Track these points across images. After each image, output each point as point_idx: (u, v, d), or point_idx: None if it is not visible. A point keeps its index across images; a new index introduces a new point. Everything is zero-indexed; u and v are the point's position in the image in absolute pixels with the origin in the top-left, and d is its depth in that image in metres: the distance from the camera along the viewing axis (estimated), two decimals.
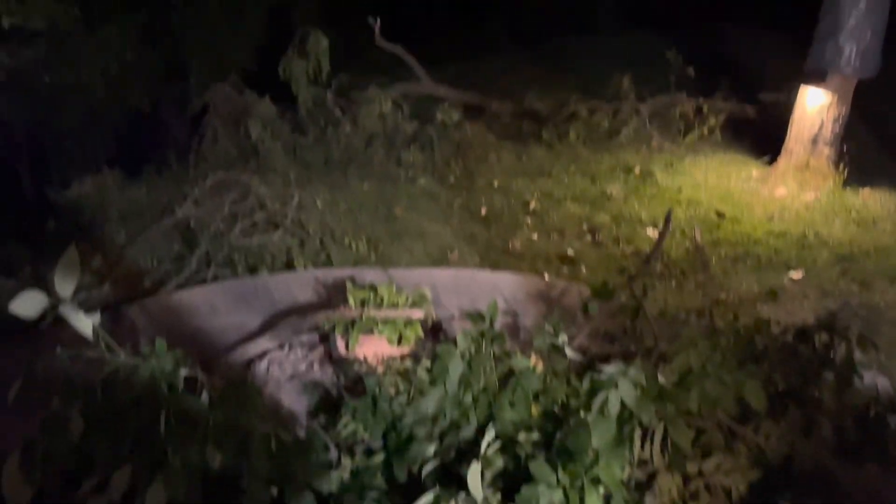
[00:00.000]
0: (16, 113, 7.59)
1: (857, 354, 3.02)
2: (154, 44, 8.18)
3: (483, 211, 6.45)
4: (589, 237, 6.13)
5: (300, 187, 5.95)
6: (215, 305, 4.54)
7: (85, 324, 2.55)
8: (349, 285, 4.09)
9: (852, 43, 6.41)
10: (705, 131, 7.77)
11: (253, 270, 5.18)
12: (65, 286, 2.53)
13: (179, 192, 6.24)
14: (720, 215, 6.38)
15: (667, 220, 4.62)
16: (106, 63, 7.75)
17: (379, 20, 8.28)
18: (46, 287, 2.66)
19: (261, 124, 6.93)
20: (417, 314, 3.81)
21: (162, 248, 5.40)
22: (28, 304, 2.42)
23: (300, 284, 4.72)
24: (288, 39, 7.48)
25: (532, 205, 6.54)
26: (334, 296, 4.42)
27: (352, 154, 6.96)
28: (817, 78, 6.65)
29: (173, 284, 4.94)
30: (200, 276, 5.07)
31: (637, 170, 7.16)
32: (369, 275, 4.64)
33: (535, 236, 6.09)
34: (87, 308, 2.61)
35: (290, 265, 5.31)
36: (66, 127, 7.77)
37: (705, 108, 7.86)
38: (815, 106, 6.74)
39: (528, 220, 6.32)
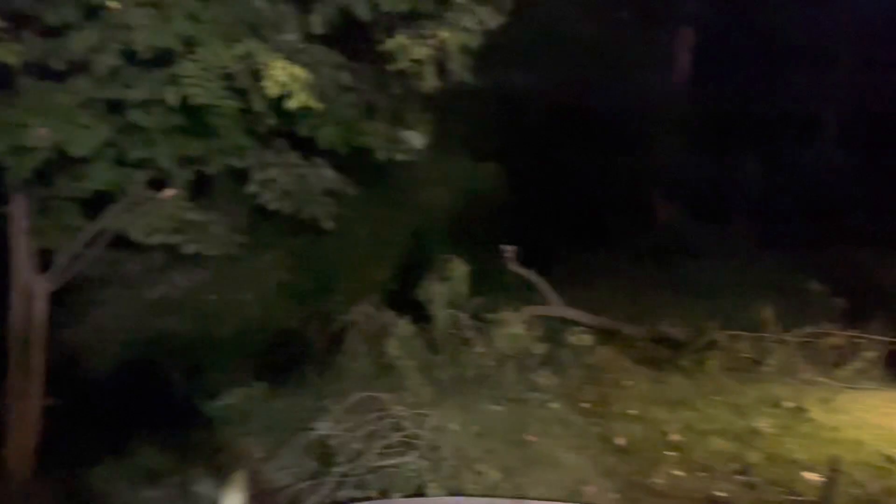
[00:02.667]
0: (179, 327, 8.36)
1: None
2: (305, 266, 8.98)
3: (620, 441, 6.14)
4: (739, 477, 5.61)
5: (433, 407, 5.98)
6: None
7: None
8: None
9: None
10: (863, 364, 7.23)
11: (384, 494, 5.09)
12: None
13: (318, 407, 6.44)
14: (891, 460, 5.71)
15: (834, 468, 4.18)
16: (263, 284, 8.53)
17: (511, 247, 8.73)
18: (191, 498, 2.73)
19: (398, 343, 7.18)
20: None
21: (299, 464, 5.47)
22: None
23: None
24: (426, 262, 7.99)
25: (673, 437, 6.16)
26: None
27: (484, 375, 6.99)
28: None
29: (309, 503, 4.92)
30: (334, 496, 5.03)
31: (787, 404, 6.68)
32: None
33: (678, 473, 5.66)
34: None
35: (420, 489, 5.18)
36: (221, 341, 8.40)
37: (861, 341, 7.37)
38: None
39: (670, 454, 5.91)
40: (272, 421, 6.59)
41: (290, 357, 9.26)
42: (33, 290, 6.55)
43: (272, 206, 7.15)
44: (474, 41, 6.03)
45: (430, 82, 5.98)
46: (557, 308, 8.60)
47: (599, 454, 5.90)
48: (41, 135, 5.11)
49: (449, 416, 5.85)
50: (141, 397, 8.81)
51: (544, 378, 6.89)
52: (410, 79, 6.61)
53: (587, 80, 11.29)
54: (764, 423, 6.37)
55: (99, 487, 5.70)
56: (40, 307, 6.57)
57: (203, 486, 5.37)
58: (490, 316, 7.53)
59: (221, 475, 5.77)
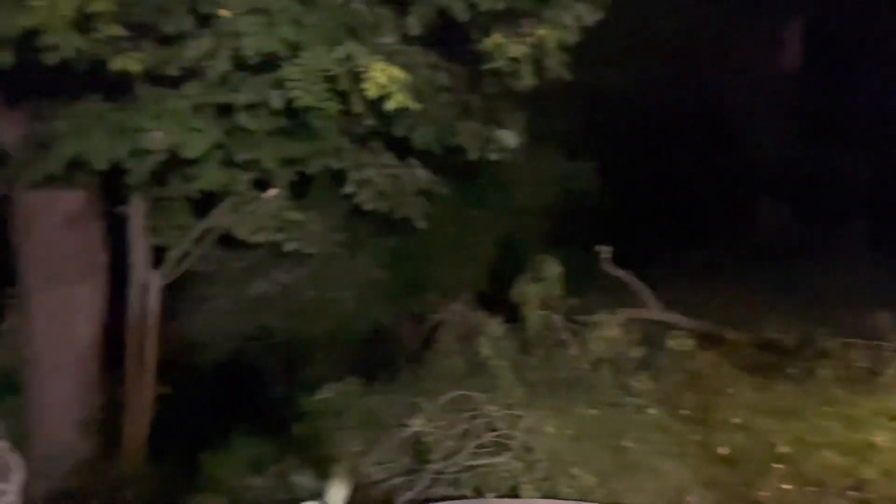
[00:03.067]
0: (279, 323, 8.67)
1: None
2: (398, 265, 9.11)
3: (723, 450, 5.89)
4: (853, 493, 5.28)
5: (526, 408, 5.93)
6: None
7: None
8: None
9: None
10: None
11: (478, 492, 5.09)
12: (337, 497, 2.65)
13: (411, 405, 6.51)
14: None
15: None
16: (358, 281, 8.72)
17: (607, 248, 8.54)
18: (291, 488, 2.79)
19: (490, 343, 7.17)
20: None
21: (394, 460, 5.55)
22: None
23: None
24: (518, 263, 7.94)
25: (781, 449, 5.86)
26: None
27: (578, 378, 6.88)
28: None
29: (404, 498, 4.98)
30: (429, 492, 5.08)
31: None
32: None
33: (786, 487, 5.38)
34: None
35: (514, 490, 5.15)
36: (317, 337, 8.65)
37: None
38: None
39: (778, 467, 5.63)
40: (367, 416, 6.72)
41: (384, 354, 9.43)
42: (148, 284, 6.95)
43: (368, 205, 7.28)
44: (572, 38, 5.93)
45: (526, 81, 5.92)
46: (655, 311, 8.35)
47: (701, 463, 5.70)
48: (157, 138, 5.41)
49: (543, 418, 5.79)
50: (243, 389, 9.22)
51: (641, 383, 6.70)
52: (505, 77, 6.58)
53: (688, 75, 10.91)
54: (881, 438, 5.96)
55: (206, 474, 5.97)
56: (154, 301, 6.96)
57: (302, 478, 5.54)
58: (585, 318, 7.41)
59: (319, 467, 5.96)
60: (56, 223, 6.61)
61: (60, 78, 6.00)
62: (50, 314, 6.66)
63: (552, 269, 7.25)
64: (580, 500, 4.83)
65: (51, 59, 4.84)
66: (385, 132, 6.89)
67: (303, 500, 2.55)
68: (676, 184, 10.82)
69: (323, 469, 5.92)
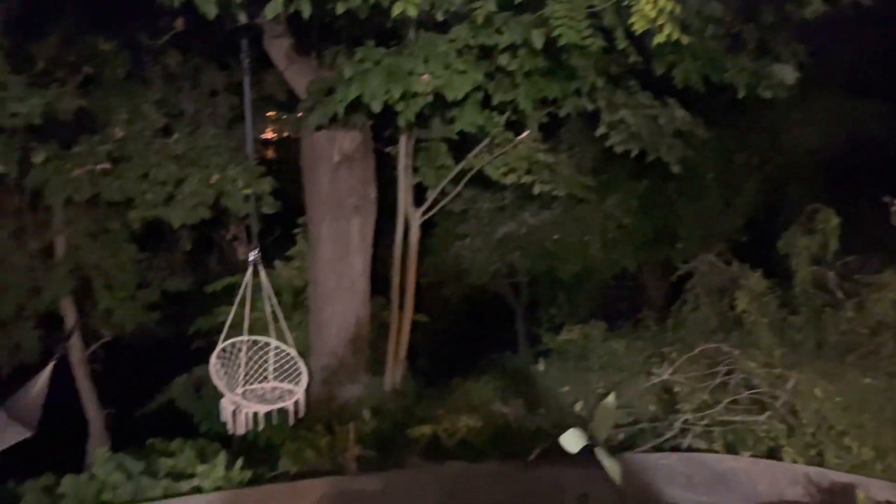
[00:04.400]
0: (525, 262, 8.89)
1: None
2: (648, 211, 8.80)
3: None
4: None
5: (787, 369, 5.48)
6: (692, 478, 4.36)
7: (613, 466, 2.66)
8: (861, 497, 3.49)
9: None
10: None
11: (731, 450, 4.86)
12: (601, 429, 2.71)
13: (657, 354, 6.36)
14: None
15: None
16: (605, 226, 8.59)
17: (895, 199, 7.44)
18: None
19: (748, 297, 6.69)
20: None
21: (638, 406, 5.50)
22: (572, 440, 2.64)
23: (788, 479, 4.25)
24: (787, 212, 7.24)
25: None
26: (829, 502, 3.83)
27: (852, 342, 6.18)
28: None
29: (649, 444, 4.93)
30: (676, 441, 4.97)
31: None
32: (876, 487, 3.90)
33: None
34: None
35: (773, 453, 4.83)
36: (562, 279, 8.74)
37: None
38: None
39: None
40: (609, 360, 6.71)
41: (627, 301, 9.30)
42: (410, 220, 7.51)
43: (619, 148, 7.09)
44: None
45: (815, 6, 5.25)
46: None
47: None
48: (425, 81, 5.73)
49: (810, 381, 5.31)
50: (490, 322, 9.71)
51: None
52: (787, 3, 5.90)
53: None
54: None
55: (457, 397, 6.42)
56: (414, 235, 7.51)
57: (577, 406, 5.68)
58: (864, 277, 6.60)
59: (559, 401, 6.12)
60: (335, 162, 7.35)
61: (343, 26, 6.63)
62: (329, 243, 7.49)
63: (828, 220, 6.51)
64: (854, 474, 4.39)
65: (339, 8, 5.30)
66: (644, 70, 6.60)
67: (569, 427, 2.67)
68: None
69: (560, 405, 6.09)
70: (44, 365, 7.66)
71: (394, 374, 7.56)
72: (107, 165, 5.83)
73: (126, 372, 8.28)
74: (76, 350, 7.77)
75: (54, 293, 7.33)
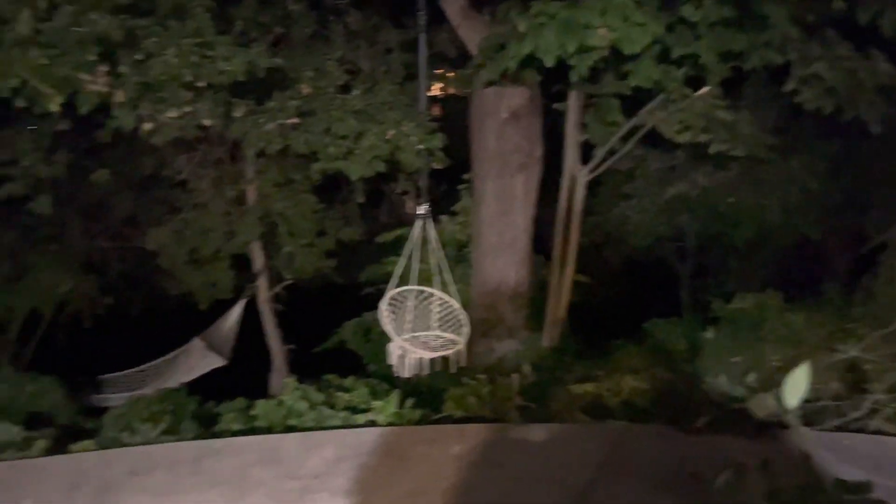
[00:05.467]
0: (694, 225, 8.52)
1: None
2: (838, 174, 8.07)
3: None
4: None
5: None
6: (879, 461, 4.06)
7: (804, 435, 2.55)
8: None
9: None
10: None
11: None
12: (792, 397, 2.59)
13: (842, 329, 5.89)
14: None
15: None
16: (787, 190, 7.99)
17: None
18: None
19: None
20: None
21: (820, 382, 5.15)
22: (761, 406, 2.55)
23: None
24: None
25: None
26: None
27: None
28: None
29: (832, 423, 4.64)
30: (863, 423, 4.63)
31: None
32: None
33: None
34: None
35: None
36: (734, 244, 8.28)
37: None
38: None
39: None
40: (787, 332, 6.30)
41: (808, 271, 8.65)
42: (576, 178, 7.42)
43: (810, 105, 6.51)
44: None
45: None
46: None
47: None
48: (602, 35, 5.58)
49: None
50: (653, 286, 9.44)
51: None
52: None
53: None
54: None
55: (618, 358, 6.34)
56: (580, 194, 7.42)
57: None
58: None
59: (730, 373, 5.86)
60: (503, 119, 7.39)
61: None
62: (493, 199, 7.60)
63: None
64: None
65: None
66: (844, 18, 6.00)
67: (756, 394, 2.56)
68: None
69: (729, 374, 5.83)
70: (235, 302, 8.56)
71: (552, 332, 7.60)
72: (295, 120, 6.27)
73: (303, 313, 8.99)
74: (262, 290, 8.54)
75: (245, 237, 8.09)
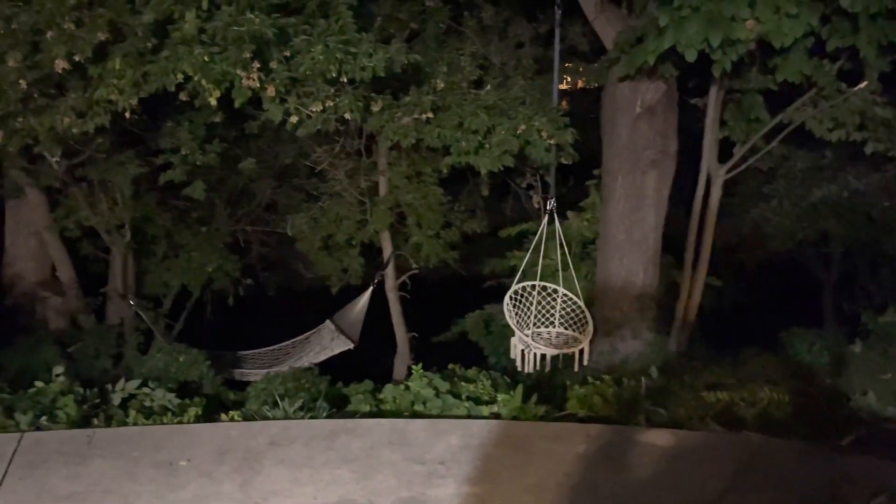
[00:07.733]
0: (842, 231, 7.93)
1: None
2: None
3: None
4: None
5: None
6: None
7: None
8: None
9: None
10: None
11: None
12: None
13: None
14: None
15: None
16: None
17: None
18: None
19: None
20: None
21: None
22: None
23: None
24: None
25: None
26: None
27: None
28: None
29: None
30: None
31: None
32: None
33: None
34: None
35: None
36: (886, 252, 7.67)
37: None
38: None
39: None
40: None
41: None
42: (712, 177, 7.12)
43: None
44: None
45: None
46: None
47: None
48: (750, 27, 5.30)
49: None
50: (785, 295, 8.91)
51: None
52: None
53: None
54: None
55: (753, 367, 6.04)
56: (716, 193, 7.12)
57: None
58: None
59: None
60: (636, 114, 7.19)
61: None
62: (623, 196, 7.40)
63: None
64: None
65: None
66: None
67: None
68: None
69: (880, 392, 5.40)
70: (364, 288, 8.90)
71: (681, 335, 7.35)
72: (430, 114, 6.41)
73: (426, 302, 9.20)
74: (390, 278, 8.82)
75: (376, 226, 8.39)
